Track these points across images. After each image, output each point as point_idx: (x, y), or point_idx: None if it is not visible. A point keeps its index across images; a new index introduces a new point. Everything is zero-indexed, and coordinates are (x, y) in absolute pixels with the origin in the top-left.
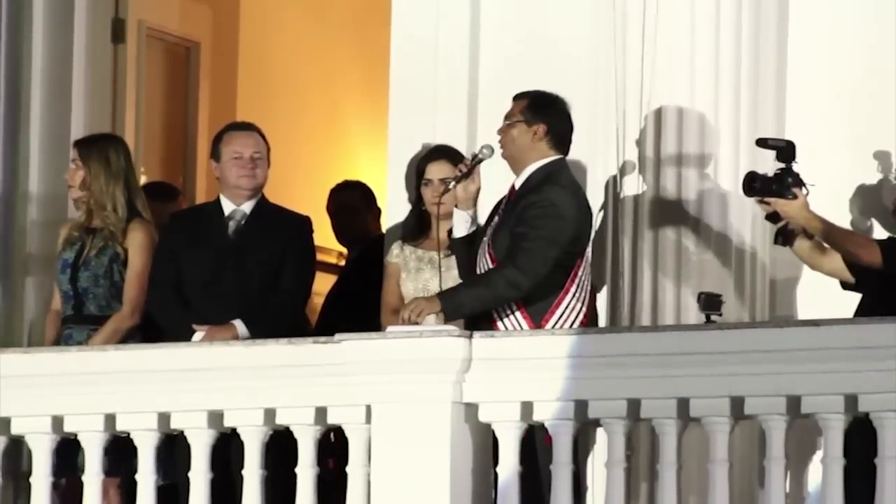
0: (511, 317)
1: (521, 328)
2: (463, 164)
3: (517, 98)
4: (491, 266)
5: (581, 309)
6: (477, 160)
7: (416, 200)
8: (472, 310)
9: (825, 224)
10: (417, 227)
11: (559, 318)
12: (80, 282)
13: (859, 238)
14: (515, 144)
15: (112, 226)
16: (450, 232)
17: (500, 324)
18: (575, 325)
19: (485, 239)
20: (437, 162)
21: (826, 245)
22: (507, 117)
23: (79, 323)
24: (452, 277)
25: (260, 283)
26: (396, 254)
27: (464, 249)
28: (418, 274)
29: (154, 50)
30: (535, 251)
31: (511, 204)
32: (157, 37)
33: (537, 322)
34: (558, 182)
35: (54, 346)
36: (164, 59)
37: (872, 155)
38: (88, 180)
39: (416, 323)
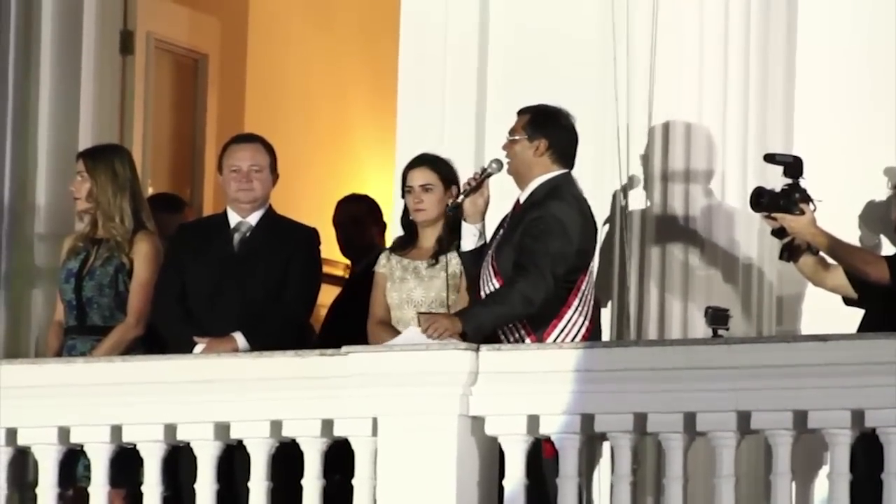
0: (516, 334)
1: (524, 341)
2: (472, 178)
3: (521, 113)
4: (493, 279)
5: (584, 323)
6: (486, 174)
7: (403, 209)
8: (491, 328)
9: (832, 240)
10: (405, 236)
11: (561, 332)
12: (84, 291)
13: (866, 254)
14: (518, 160)
15: (119, 236)
16: (440, 240)
17: (501, 336)
18: (577, 340)
19: (489, 252)
20: (418, 169)
21: (829, 262)
22: (510, 133)
23: (82, 334)
24: (435, 287)
25: (264, 295)
26: (383, 263)
27: (472, 263)
28: (402, 283)
29: (162, 62)
30: (544, 267)
31: (516, 218)
32: (166, 48)
33: (539, 335)
34: (561, 197)
35: (58, 357)
36: (173, 70)
37: (882, 171)
38: (95, 192)
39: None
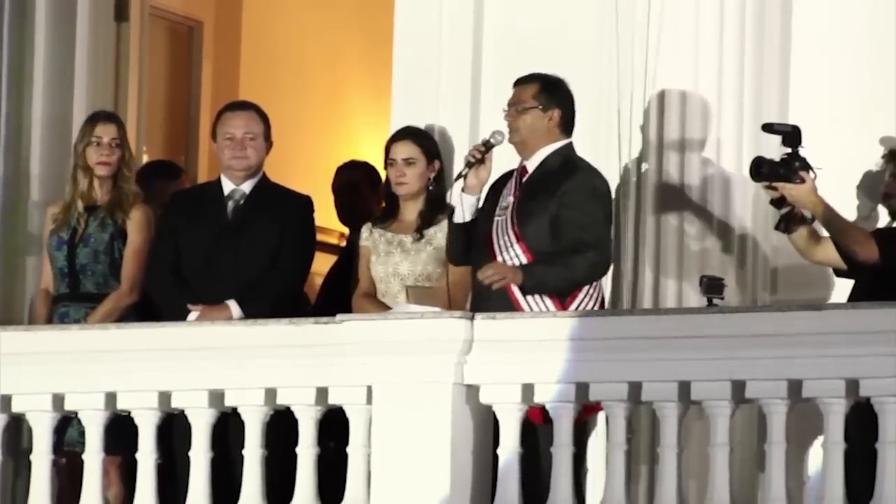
0: (537, 296)
1: (547, 308)
2: (476, 150)
3: (524, 82)
4: (516, 245)
5: (601, 291)
6: (490, 146)
7: (385, 182)
8: (551, 289)
9: (829, 212)
10: (386, 208)
11: (582, 300)
12: (78, 258)
13: (859, 234)
14: (529, 130)
15: (128, 197)
16: (421, 214)
17: (523, 302)
18: (594, 308)
19: (500, 218)
20: (401, 142)
21: (821, 234)
22: (517, 103)
23: (75, 301)
24: (422, 261)
25: (258, 263)
26: (366, 236)
27: (463, 232)
28: (388, 257)
29: (157, 29)
30: (603, 234)
31: (532, 186)
32: (160, 16)
33: (563, 303)
34: (582, 166)
35: (48, 324)
36: (167, 38)
37: (879, 140)
38: (127, 158)
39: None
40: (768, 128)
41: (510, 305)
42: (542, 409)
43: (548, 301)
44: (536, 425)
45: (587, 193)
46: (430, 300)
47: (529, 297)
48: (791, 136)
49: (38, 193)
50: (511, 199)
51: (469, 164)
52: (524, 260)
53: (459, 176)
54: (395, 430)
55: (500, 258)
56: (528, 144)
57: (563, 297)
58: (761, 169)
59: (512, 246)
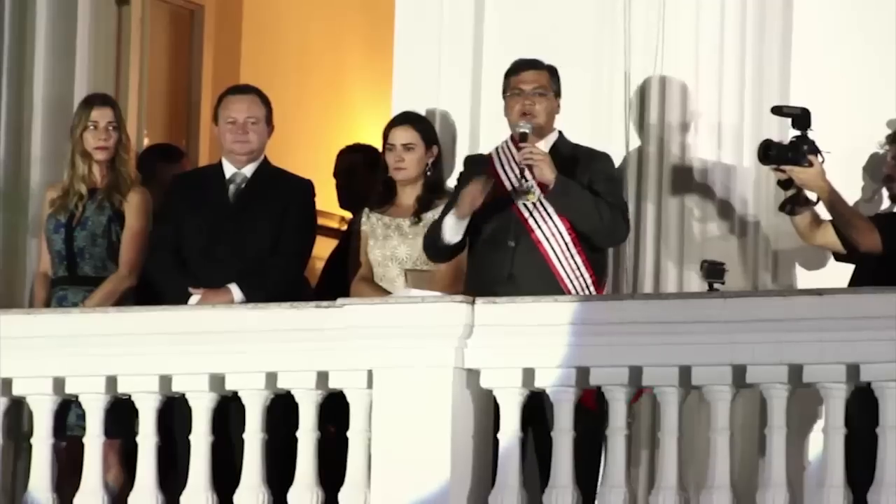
0: (580, 277)
1: (590, 291)
2: (532, 151)
3: (536, 68)
4: (565, 233)
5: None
6: (526, 136)
7: (383, 167)
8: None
9: (835, 197)
10: (384, 193)
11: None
12: (76, 242)
13: (862, 223)
14: (548, 115)
15: (128, 180)
16: (419, 199)
17: (567, 280)
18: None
19: (535, 202)
20: (400, 127)
21: (822, 218)
22: (541, 87)
23: (73, 284)
24: (419, 244)
25: (259, 247)
26: (364, 221)
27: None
28: (385, 241)
29: (158, 12)
30: (626, 212)
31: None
32: None
33: (602, 283)
34: (597, 152)
35: (46, 307)
36: (169, 21)
37: (886, 123)
38: (125, 141)
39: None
40: (777, 110)
41: (553, 283)
42: (596, 394)
43: (589, 282)
44: (591, 411)
45: (615, 175)
46: (428, 284)
47: (574, 278)
48: (800, 118)
49: (39, 176)
50: (531, 183)
51: (531, 167)
52: (572, 247)
53: (524, 180)
54: (396, 415)
55: (546, 245)
56: (543, 130)
57: (599, 274)
58: (769, 152)
59: (561, 234)
